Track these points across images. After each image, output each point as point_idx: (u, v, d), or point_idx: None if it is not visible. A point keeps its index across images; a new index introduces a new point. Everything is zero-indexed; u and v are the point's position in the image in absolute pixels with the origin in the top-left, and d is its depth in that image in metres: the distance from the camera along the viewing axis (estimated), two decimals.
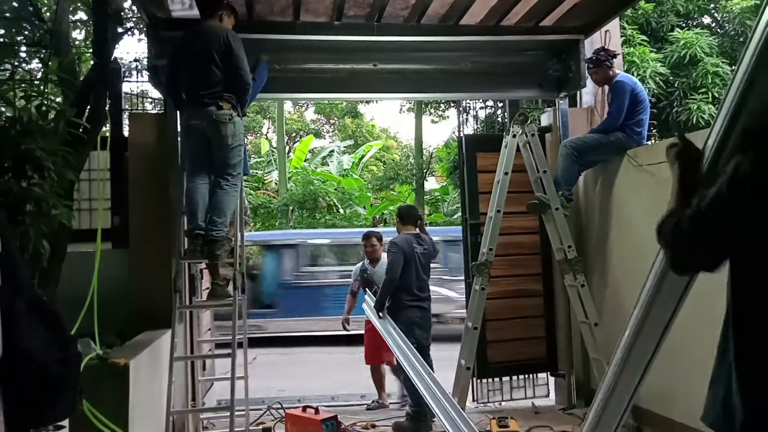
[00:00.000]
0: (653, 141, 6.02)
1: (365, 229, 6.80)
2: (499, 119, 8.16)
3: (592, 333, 4.70)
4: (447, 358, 5.50)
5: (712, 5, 8.69)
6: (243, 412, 4.49)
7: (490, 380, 5.35)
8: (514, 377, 5.41)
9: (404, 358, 4.46)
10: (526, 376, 5.44)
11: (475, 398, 5.28)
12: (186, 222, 4.23)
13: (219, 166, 4.14)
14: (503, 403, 5.35)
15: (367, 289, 5.50)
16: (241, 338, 4.48)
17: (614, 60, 4.84)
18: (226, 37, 4.07)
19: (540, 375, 5.49)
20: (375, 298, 5.04)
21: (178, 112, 4.55)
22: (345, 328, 5.97)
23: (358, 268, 5.90)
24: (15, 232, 2.51)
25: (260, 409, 5.01)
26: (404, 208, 5.69)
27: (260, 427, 4.62)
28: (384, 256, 5.52)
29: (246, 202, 5.01)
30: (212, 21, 4.20)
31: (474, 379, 5.17)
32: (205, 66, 4.03)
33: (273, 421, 4.79)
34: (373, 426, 4.77)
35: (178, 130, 4.74)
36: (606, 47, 4.97)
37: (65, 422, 2.35)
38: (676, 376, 3.79)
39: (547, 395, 5.48)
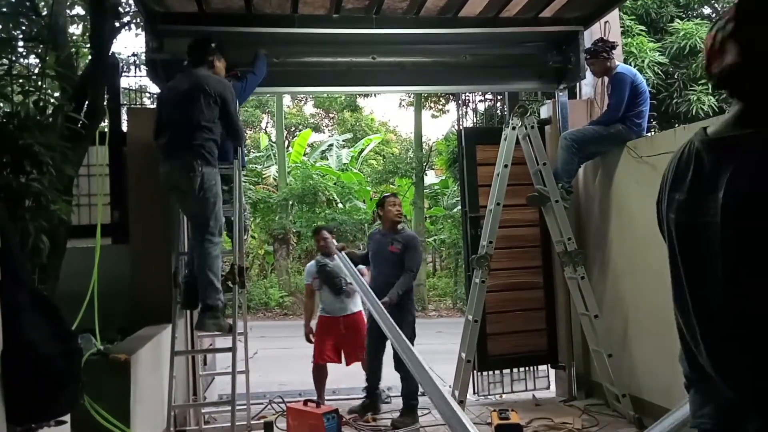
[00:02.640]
0: (653, 132, 6.00)
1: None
2: (499, 112, 8.14)
3: (593, 325, 4.71)
4: (447, 351, 5.51)
5: None
6: (244, 407, 4.50)
7: (490, 373, 5.37)
8: (515, 370, 5.42)
9: (404, 350, 4.43)
10: (527, 368, 5.45)
11: (476, 391, 5.29)
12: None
13: (197, 222, 4.00)
14: (504, 396, 5.37)
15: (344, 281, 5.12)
16: (242, 333, 4.48)
17: (613, 51, 4.83)
18: (219, 92, 3.92)
19: (540, 367, 5.50)
20: (362, 291, 4.74)
21: None
22: (309, 340, 5.29)
23: (313, 266, 5.39)
24: (15, 227, 2.51)
25: (262, 404, 5.03)
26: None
27: (262, 421, 4.63)
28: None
29: (246, 206, 4.97)
30: (203, 68, 4.06)
31: (475, 371, 5.18)
32: (185, 114, 3.86)
33: (274, 415, 4.81)
34: (374, 419, 4.78)
35: None
36: (605, 38, 4.96)
37: (67, 417, 2.36)
38: (677, 367, 3.79)
39: (548, 387, 5.49)
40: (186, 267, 4.21)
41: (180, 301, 4.17)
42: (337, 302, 5.18)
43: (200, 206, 3.90)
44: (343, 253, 4.98)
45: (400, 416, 4.67)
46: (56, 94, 3.75)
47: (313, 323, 5.33)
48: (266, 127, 21.03)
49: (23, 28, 4.32)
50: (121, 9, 4.79)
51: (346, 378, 5.60)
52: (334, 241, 5.29)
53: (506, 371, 5.39)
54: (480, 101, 8.48)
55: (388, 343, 4.49)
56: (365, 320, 5.17)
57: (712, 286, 1.08)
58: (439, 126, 41.38)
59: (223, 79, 4.13)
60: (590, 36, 5.20)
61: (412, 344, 4.31)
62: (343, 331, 5.18)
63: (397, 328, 4.16)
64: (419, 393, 4.57)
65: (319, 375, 5.19)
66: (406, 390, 4.71)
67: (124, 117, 5.22)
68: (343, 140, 18.60)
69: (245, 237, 5.01)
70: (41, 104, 3.16)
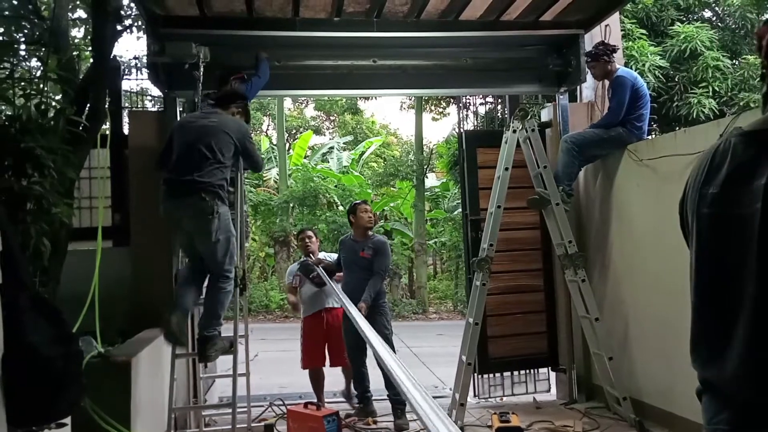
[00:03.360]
0: (654, 136, 6.01)
1: None
2: (499, 115, 8.16)
3: (593, 328, 4.70)
4: (447, 354, 5.51)
5: None
6: (245, 409, 4.49)
7: (491, 375, 5.36)
8: (515, 372, 5.42)
9: (384, 351, 4.37)
10: (527, 371, 5.45)
11: (477, 393, 5.29)
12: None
13: (211, 263, 3.91)
14: (504, 398, 5.36)
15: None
16: (243, 335, 4.48)
17: (614, 54, 4.83)
18: (240, 135, 3.95)
19: (541, 370, 5.49)
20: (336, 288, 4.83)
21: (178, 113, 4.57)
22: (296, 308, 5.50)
23: (295, 267, 5.53)
24: (16, 230, 2.51)
25: (262, 406, 5.03)
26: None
27: (262, 423, 4.63)
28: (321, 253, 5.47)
29: (246, 210, 4.98)
30: (225, 111, 4.10)
31: (475, 374, 5.17)
32: (204, 153, 3.78)
33: (275, 417, 4.80)
34: (375, 422, 4.78)
35: None
36: (606, 41, 4.96)
37: (67, 419, 2.36)
38: (677, 370, 3.79)
39: (549, 390, 5.48)
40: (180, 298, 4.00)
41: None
42: (320, 295, 5.22)
43: (216, 249, 3.81)
44: (320, 267, 5.09)
45: (396, 419, 4.68)
46: (58, 97, 3.75)
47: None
48: (267, 129, 21.05)
49: (25, 31, 4.33)
50: (122, 12, 4.79)
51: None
52: (316, 242, 5.47)
53: (507, 374, 5.39)
54: (481, 104, 8.52)
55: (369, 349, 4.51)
56: None
57: (746, 280, 1.06)
58: (440, 129, 41.37)
59: (243, 123, 4.14)
60: (591, 39, 5.21)
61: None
62: (326, 327, 5.19)
63: (376, 334, 4.16)
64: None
65: (316, 378, 5.21)
66: (392, 391, 4.70)
67: (126, 120, 5.23)
68: (343, 143, 18.61)
69: (246, 243, 5.01)
70: (43, 107, 3.17)
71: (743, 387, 1.08)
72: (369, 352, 4.72)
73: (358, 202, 5.37)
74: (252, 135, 4.11)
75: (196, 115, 4.17)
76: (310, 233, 5.53)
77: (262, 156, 17.63)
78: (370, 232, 5.07)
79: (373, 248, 4.91)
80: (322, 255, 5.46)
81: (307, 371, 5.26)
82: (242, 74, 4.60)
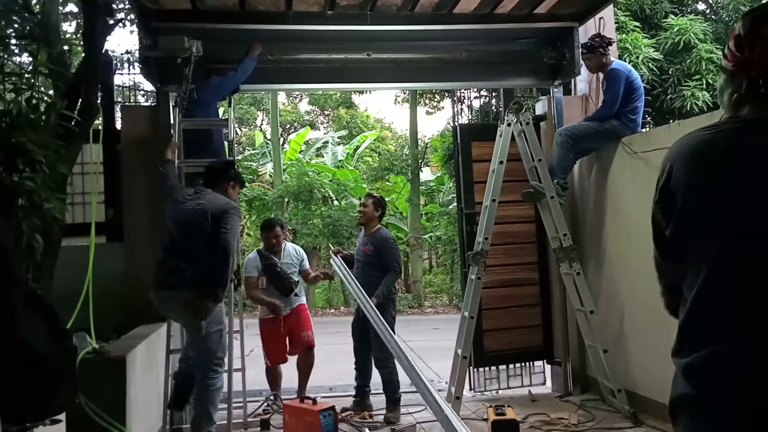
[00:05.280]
0: (648, 128, 6.02)
1: None
2: (494, 108, 8.15)
3: (588, 321, 4.72)
4: (443, 348, 5.51)
5: None
6: (241, 404, 4.50)
7: (486, 369, 5.37)
8: (511, 365, 5.42)
9: (395, 349, 4.42)
10: (523, 364, 5.46)
11: (472, 387, 5.30)
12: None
13: (199, 356, 3.71)
14: (500, 392, 5.37)
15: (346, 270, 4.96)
16: (238, 330, 4.48)
17: (609, 47, 4.83)
18: (222, 213, 3.63)
19: (536, 363, 5.50)
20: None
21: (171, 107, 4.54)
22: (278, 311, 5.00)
23: (256, 260, 5.07)
24: (8, 225, 2.49)
25: (258, 401, 5.02)
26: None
27: (258, 418, 4.63)
28: (288, 245, 5.27)
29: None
30: (216, 189, 3.85)
31: (471, 367, 5.18)
32: (190, 243, 3.60)
33: (271, 412, 4.80)
34: (371, 416, 4.78)
35: (171, 122, 4.72)
36: (602, 34, 4.96)
37: (62, 416, 2.35)
38: (672, 362, 3.81)
39: (544, 383, 5.50)
40: (180, 362, 3.93)
41: (169, 402, 3.94)
42: (285, 303, 5.06)
43: (207, 342, 3.65)
44: (338, 257, 4.94)
45: (388, 412, 4.69)
46: (49, 92, 3.73)
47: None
48: (261, 124, 20.97)
49: (15, 25, 4.29)
50: (114, 6, 4.76)
51: (342, 376, 5.60)
52: (283, 237, 5.20)
53: (502, 367, 5.39)
54: (475, 98, 8.49)
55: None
56: (307, 309, 5.23)
57: None
58: (435, 122, 41.38)
59: (230, 202, 3.82)
60: (585, 32, 5.20)
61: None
62: (286, 328, 5.08)
63: (389, 330, 4.19)
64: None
65: (273, 377, 5.11)
66: (387, 385, 4.73)
67: (118, 115, 5.20)
68: (338, 137, 18.56)
69: (240, 239, 4.98)
70: (34, 102, 3.15)
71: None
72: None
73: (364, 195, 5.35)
74: (237, 214, 3.73)
75: (188, 194, 3.87)
76: (279, 230, 5.11)
77: (256, 151, 17.70)
78: (378, 226, 4.98)
79: (375, 245, 4.84)
80: (290, 246, 5.26)
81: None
82: (225, 70, 4.60)
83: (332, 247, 5.21)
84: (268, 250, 5.11)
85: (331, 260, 5.01)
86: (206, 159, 4.35)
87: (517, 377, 5.44)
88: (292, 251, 5.25)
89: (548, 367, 5.54)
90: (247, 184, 15.28)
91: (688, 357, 1.16)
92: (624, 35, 7.36)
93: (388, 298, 4.78)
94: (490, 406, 4.18)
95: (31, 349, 2.12)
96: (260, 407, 4.89)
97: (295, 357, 5.15)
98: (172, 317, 3.94)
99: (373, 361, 4.78)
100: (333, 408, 4.24)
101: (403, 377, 4.47)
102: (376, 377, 4.89)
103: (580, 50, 4.91)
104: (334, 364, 5.32)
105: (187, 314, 3.62)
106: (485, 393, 5.34)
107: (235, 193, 4.01)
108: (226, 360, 3.83)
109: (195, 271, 3.53)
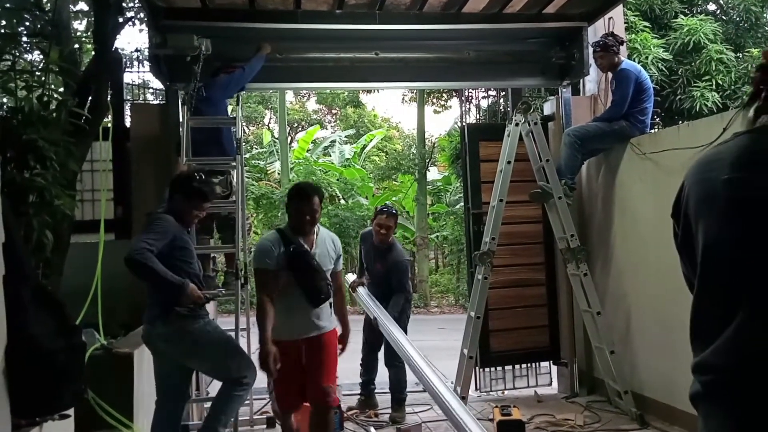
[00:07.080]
0: (657, 129, 5.99)
1: None
2: (502, 108, 8.13)
3: (595, 322, 4.71)
4: (449, 348, 5.51)
5: None
6: (247, 401, 4.51)
7: (492, 369, 5.37)
8: (517, 366, 5.42)
9: (406, 349, 4.45)
10: (529, 364, 5.45)
11: (478, 387, 5.30)
12: None
13: (220, 377, 3.47)
14: (506, 392, 5.37)
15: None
16: (245, 328, 4.49)
17: (621, 47, 4.81)
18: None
19: (542, 364, 5.49)
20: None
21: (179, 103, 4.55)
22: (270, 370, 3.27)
23: (271, 245, 3.24)
24: (19, 222, 2.52)
25: (264, 398, 5.03)
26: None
27: (264, 416, 4.65)
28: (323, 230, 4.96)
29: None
30: (171, 203, 3.39)
31: (477, 368, 5.18)
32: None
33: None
34: (376, 415, 4.79)
35: (180, 120, 4.74)
36: (614, 33, 4.93)
37: (70, 411, 2.37)
38: (679, 364, 3.80)
39: (550, 384, 5.49)
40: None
41: None
42: (307, 315, 3.24)
43: (211, 361, 3.43)
44: (360, 288, 4.92)
45: (393, 411, 4.70)
46: (60, 90, 3.75)
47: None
48: (269, 123, 21.02)
49: (27, 23, 4.32)
50: (124, 4, 4.79)
51: (349, 374, 5.60)
52: (352, 278, 5.07)
53: (508, 367, 5.39)
54: (483, 97, 8.48)
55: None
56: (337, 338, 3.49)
57: None
58: (442, 122, 41.22)
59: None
60: (594, 32, 5.18)
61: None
62: (303, 360, 3.28)
63: (401, 331, 4.21)
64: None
65: (290, 426, 3.45)
66: (395, 385, 4.74)
67: (128, 112, 5.22)
68: (345, 136, 18.58)
69: (248, 237, 4.97)
70: (45, 99, 3.17)
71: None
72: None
73: (380, 208, 4.98)
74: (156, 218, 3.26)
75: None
76: (316, 202, 3.27)
77: (264, 149, 17.73)
78: (391, 239, 4.84)
79: (387, 265, 4.75)
80: (324, 233, 3.54)
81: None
82: (233, 67, 4.60)
83: (349, 281, 4.90)
84: (297, 230, 3.29)
85: (355, 296, 5.04)
86: (216, 156, 4.42)
87: (523, 378, 5.43)
88: (328, 240, 3.46)
89: (554, 368, 5.53)
90: (254, 182, 15.33)
91: (698, 356, 1.15)
92: (633, 35, 7.32)
93: (406, 299, 4.79)
94: (496, 407, 4.18)
95: (40, 344, 2.15)
96: (266, 405, 4.90)
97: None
98: (175, 357, 3.37)
99: (382, 359, 4.79)
100: (339, 406, 4.24)
101: (410, 376, 4.49)
102: (381, 375, 4.90)
103: (593, 49, 4.87)
104: (339, 362, 5.32)
105: (176, 343, 3.27)
106: (491, 393, 5.34)
107: (190, 207, 3.35)
108: (251, 375, 3.36)
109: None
